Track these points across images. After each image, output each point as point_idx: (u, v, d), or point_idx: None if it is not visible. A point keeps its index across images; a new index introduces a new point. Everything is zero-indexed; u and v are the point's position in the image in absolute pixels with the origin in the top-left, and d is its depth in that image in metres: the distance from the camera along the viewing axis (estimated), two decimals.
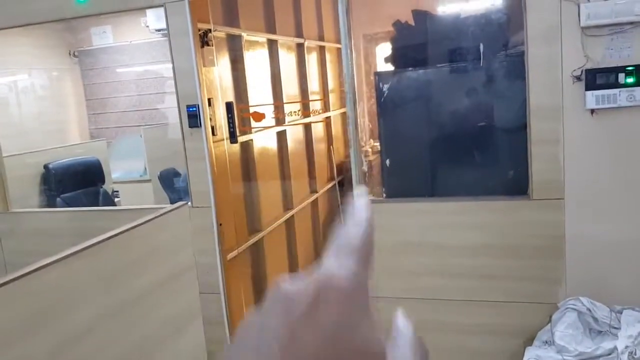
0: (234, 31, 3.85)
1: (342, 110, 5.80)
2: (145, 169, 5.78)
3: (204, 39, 3.42)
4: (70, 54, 6.82)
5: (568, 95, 2.67)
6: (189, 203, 3.42)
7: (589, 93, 2.61)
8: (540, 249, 2.81)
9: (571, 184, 2.72)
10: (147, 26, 6.17)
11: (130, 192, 5.76)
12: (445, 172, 3.15)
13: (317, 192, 5.25)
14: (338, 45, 5.75)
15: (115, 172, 5.80)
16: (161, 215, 1.59)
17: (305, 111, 4.95)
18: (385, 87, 3.10)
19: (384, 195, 3.20)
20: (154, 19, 5.98)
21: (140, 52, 6.77)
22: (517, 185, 2.90)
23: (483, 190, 2.98)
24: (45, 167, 4.50)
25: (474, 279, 2.94)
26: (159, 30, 6.10)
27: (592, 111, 2.63)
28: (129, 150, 6.14)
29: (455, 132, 3.09)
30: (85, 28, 6.66)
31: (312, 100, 5.05)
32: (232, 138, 3.47)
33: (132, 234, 1.43)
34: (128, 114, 6.97)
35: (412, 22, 3.21)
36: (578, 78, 2.63)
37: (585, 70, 2.60)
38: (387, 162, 3.15)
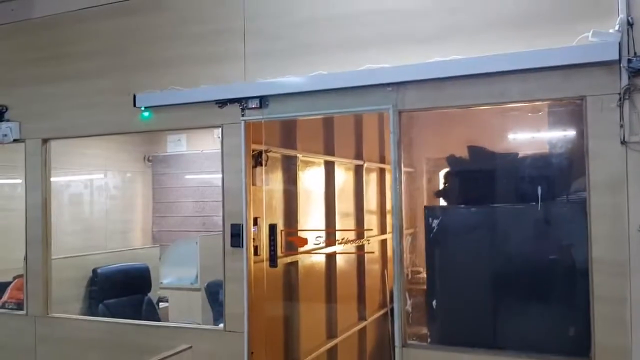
0: (289, 152, 3.89)
1: None
2: (197, 277, 5.74)
3: (257, 159, 3.46)
4: (144, 158, 7.21)
5: (635, 250, 2.41)
6: (222, 326, 3.30)
7: None
8: None
9: None
10: (218, 137, 6.45)
11: (179, 299, 5.70)
12: (496, 321, 2.86)
13: (366, 319, 4.95)
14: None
15: (167, 277, 5.80)
16: None
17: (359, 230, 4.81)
18: (435, 223, 2.94)
19: (429, 340, 2.93)
20: None
21: (209, 160, 7.03)
22: (576, 343, 2.58)
23: (538, 344, 2.67)
24: (94, 271, 4.55)
25: None
26: None
27: None
28: (184, 255, 6.17)
29: (508, 277, 2.85)
30: (162, 136, 7.06)
31: (366, 230, 4.89)
32: (272, 262, 3.38)
33: None
34: (190, 219, 7.14)
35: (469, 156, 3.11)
36: None
37: None
38: (434, 303, 2.92)
